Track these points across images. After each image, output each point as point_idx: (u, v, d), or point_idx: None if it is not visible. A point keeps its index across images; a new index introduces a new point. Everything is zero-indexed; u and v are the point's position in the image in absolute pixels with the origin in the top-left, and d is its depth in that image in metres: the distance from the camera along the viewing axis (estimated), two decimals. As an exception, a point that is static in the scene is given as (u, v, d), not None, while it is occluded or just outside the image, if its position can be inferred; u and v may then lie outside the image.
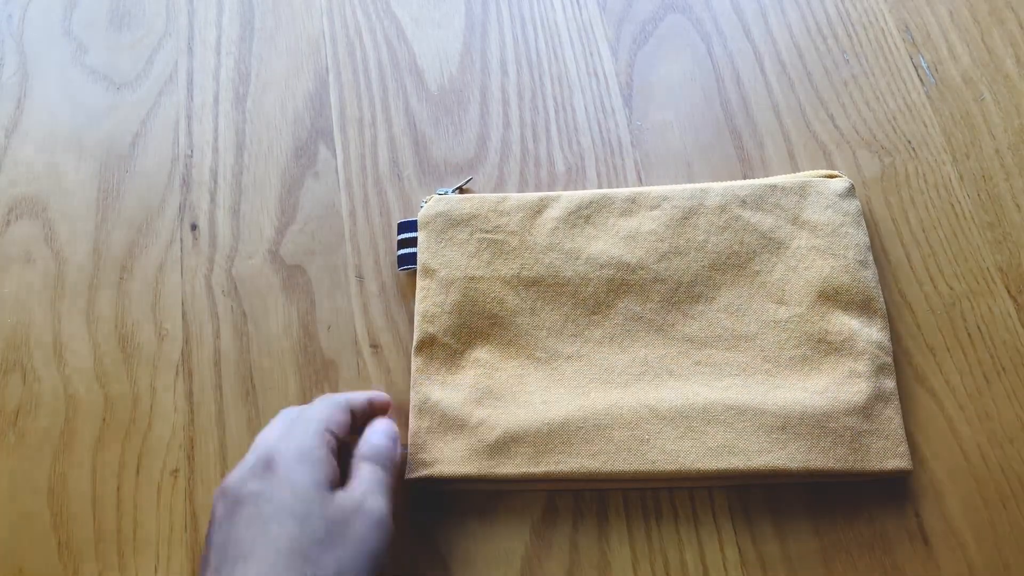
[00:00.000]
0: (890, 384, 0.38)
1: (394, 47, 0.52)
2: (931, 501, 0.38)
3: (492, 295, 0.42)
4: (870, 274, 0.41)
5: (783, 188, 0.43)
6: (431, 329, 0.41)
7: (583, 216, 0.43)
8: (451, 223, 0.43)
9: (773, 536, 0.38)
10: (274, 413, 0.42)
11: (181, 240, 0.47)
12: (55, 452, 0.42)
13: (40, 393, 0.43)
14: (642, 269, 0.42)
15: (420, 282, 0.43)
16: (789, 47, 0.50)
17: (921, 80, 0.48)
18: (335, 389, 0.43)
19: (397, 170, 0.48)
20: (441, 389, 0.40)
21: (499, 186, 0.47)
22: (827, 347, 0.39)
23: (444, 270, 0.42)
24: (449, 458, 0.38)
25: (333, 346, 0.44)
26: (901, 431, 0.37)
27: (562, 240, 0.42)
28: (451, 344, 0.41)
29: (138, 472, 0.41)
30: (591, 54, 0.51)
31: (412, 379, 0.41)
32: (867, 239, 0.42)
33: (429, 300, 0.42)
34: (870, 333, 0.39)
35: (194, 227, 0.47)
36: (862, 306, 0.40)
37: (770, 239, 0.42)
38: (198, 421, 0.42)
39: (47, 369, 0.44)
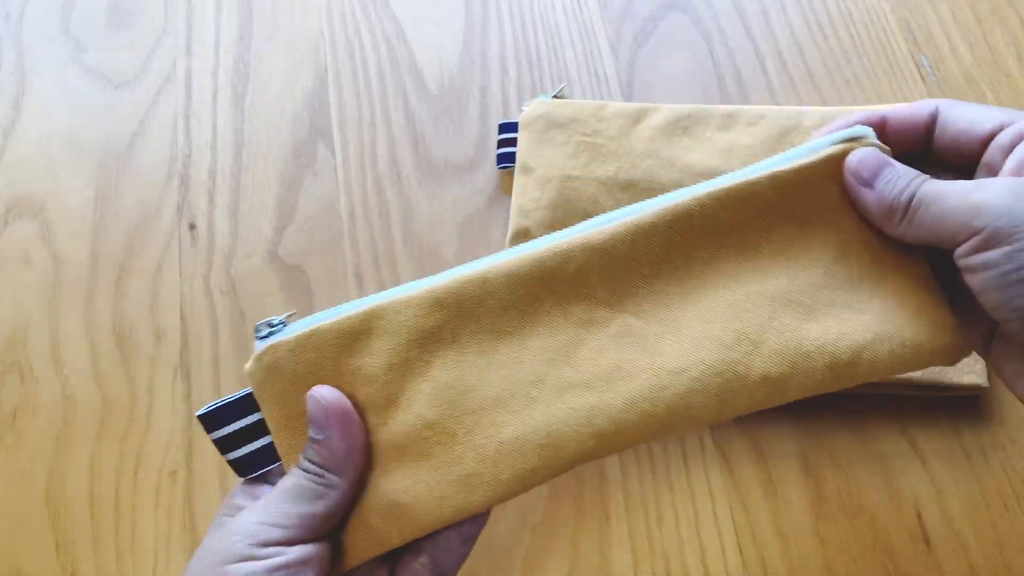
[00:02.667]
0: None
1: (393, 46, 0.52)
2: (933, 502, 0.38)
3: (587, 194, 0.43)
4: None
5: None
6: (525, 222, 0.43)
7: (681, 127, 0.44)
8: (551, 125, 0.44)
9: (775, 537, 0.38)
10: (273, 414, 0.42)
11: (179, 240, 0.47)
12: (53, 453, 0.42)
13: (38, 394, 0.43)
14: None
15: (518, 179, 0.44)
16: (790, 45, 0.49)
17: (923, 79, 0.48)
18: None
19: (396, 169, 0.48)
20: None
21: (499, 186, 0.47)
22: None
23: (542, 168, 0.43)
24: None
25: (332, 346, 0.44)
26: None
27: (659, 148, 0.43)
28: None
29: (136, 473, 0.41)
30: (591, 53, 0.50)
31: None
32: None
33: (526, 196, 0.43)
34: None
35: (192, 227, 0.47)
36: None
37: None
38: (196, 422, 0.42)
39: (45, 370, 0.44)
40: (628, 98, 0.49)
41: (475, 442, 0.27)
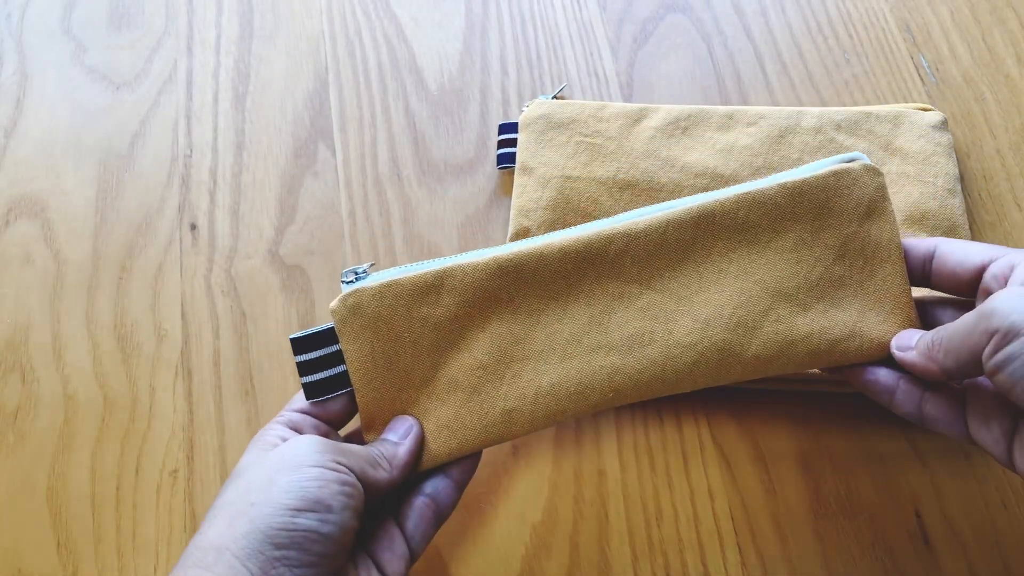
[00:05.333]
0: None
1: (394, 47, 0.52)
2: (932, 500, 0.38)
3: (587, 195, 0.43)
4: (957, 202, 0.41)
5: (877, 116, 0.44)
6: (526, 222, 0.43)
7: (680, 127, 0.44)
8: (551, 126, 0.45)
9: (773, 536, 0.38)
10: (274, 413, 0.42)
11: (180, 240, 0.47)
12: (54, 452, 0.42)
13: (39, 393, 0.43)
14: (735, 181, 0.42)
15: (518, 179, 0.44)
16: (790, 46, 0.50)
17: (922, 79, 0.48)
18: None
19: (397, 170, 0.48)
20: None
21: (499, 186, 0.47)
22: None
23: (542, 168, 0.44)
24: None
25: (333, 346, 0.44)
26: None
27: (659, 148, 0.44)
28: None
29: (137, 472, 0.41)
30: (591, 54, 0.51)
31: None
32: (957, 170, 0.42)
33: (526, 196, 0.43)
34: None
35: (193, 227, 0.47)
36: (947, 232, 0.41)
37: None
38: (197, 421, 0.42)
39: (46, 369, 0.44)
40: (628, 98, 0.49)
41: (519, 384, 0.34)
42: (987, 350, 0.26)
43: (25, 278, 0.46)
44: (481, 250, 0.35)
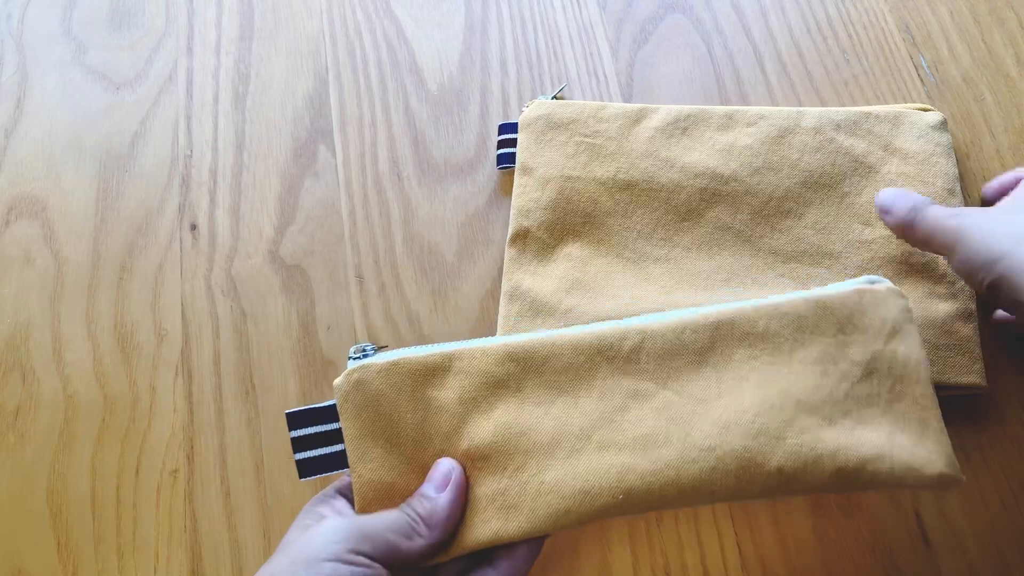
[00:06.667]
0: (970, 306, 0.39)
1: (394, 47, 0.52)
2: (932, 501, 0.38)
3: (587, 195, 0.43)
4: (957, 203, 0.42)
5: (877, 116, 0.44)
6: (525, 223, 0.43)
7: (680, 127, 0.44)
8: (551, 126, 0.45)
9: (773, 536, 0.38)
10: (274, 413, 0.42)
11: (180, 240, 0.47)
12: (54, 452, 0.42)
13: (39, 393, 0.43)
14: (735, 181, 0.43)
15: (518, 179, 0.44)
16: (789, 47, 0.50)
17: (921, 80, 0.48)
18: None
19: (397, 170, 0.48)
20: (532, 278, 0.42)
21: (499, 186, 0.47)
22: (908, 268, 0.40)
23: (542, 169, 0.44)
24: None
25: (333, 346, 0.44)
26: (978, 349, 0.38)
27: (659, 148, 0.44)
28: (544, 238, 0.43)
29: (137, 472, 0.41)
30: (591, 54, 0.51)
31: (504, 268, 0.42)
32: (956, 170, 0.43)
33: (526, 196, 0.43)
34: None
35: (193, 227, 0.47)
36: None
37: (861, 163, 0.43)
38: (197, 421, 0.42)
39: (46, 369, 0.44)
40: (628, 99, 0.49)
41: (521, 478, 0.32)
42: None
43: (25, 278, 0.46)
44: (492, 337, 0.35)
